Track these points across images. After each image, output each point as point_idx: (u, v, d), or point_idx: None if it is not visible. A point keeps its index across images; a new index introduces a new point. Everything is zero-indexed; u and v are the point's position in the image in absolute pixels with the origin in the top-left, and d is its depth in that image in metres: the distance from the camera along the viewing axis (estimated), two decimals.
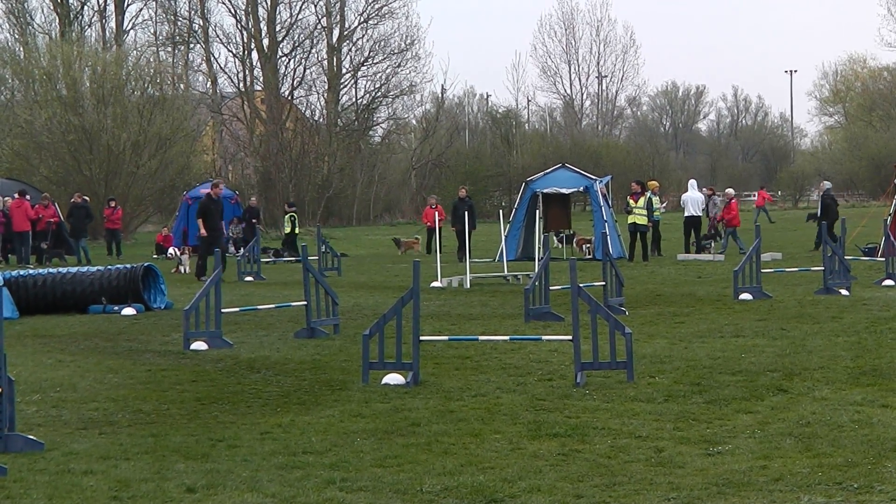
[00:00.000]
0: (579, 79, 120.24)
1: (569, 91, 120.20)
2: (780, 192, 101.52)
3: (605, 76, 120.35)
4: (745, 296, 23.35)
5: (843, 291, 24.01)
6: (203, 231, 30.29)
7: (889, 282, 25.85)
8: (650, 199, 37.25)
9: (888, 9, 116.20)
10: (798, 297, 23.56)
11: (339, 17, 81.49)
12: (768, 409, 11.95)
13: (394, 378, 13.95)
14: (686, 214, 38.63)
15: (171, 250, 43.60)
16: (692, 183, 40.46)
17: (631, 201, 37.07)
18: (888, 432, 10.68)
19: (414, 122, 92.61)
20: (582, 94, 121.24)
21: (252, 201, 46.19)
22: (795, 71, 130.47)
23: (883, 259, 27.73)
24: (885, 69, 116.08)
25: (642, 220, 36.63)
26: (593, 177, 40.36)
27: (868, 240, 37.15)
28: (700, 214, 39.08)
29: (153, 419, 12.18)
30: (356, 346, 15.92)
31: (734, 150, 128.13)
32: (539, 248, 30.32)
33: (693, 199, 39.09)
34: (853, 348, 16.07)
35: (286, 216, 44.97)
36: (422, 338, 14.43)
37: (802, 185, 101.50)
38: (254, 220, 44.75)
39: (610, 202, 39.79)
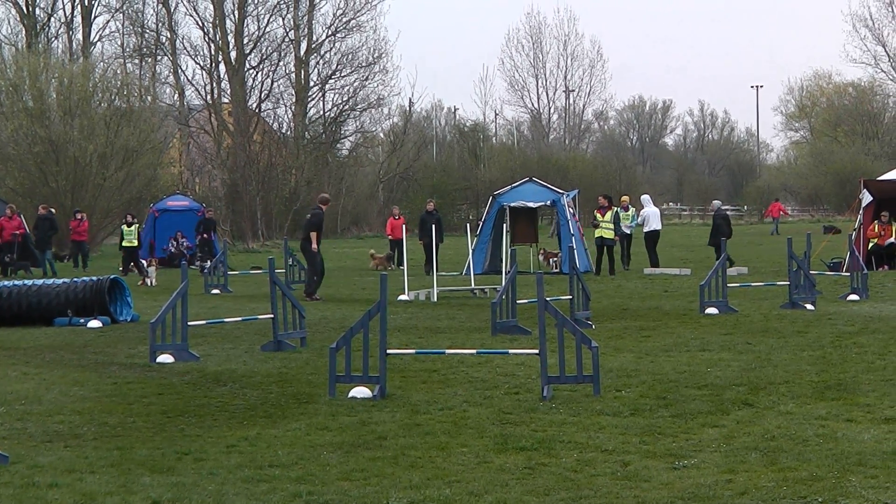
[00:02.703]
0: (547, 93, 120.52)
1: (536, 105, 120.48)
2: (745, 207, 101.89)
3: (573, 90, 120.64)
4: (712, 310, 23.44)
5: (809, 306, 24.14)
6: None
7: (854, 296, 25.99)
8: (617, 212, 37.38)
9: (853, 25, 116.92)
10: (764, 312, 23.66)
11: (306, 30, 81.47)
12: (734, 423, 12.00)
13: (360, 391, 13.95)
14: (648, 229, 38.64)
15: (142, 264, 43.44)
16: (647, 199, 40.47)
17: (598, 215, 37.18)
18: (852, 446, 10.73)
19: (381, 135, 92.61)
20: (549, 108, 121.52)
21: (208, 213, 45.83)
22: (761, 86, 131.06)
23: (848, 274, 27.89)
24: (851, 85, 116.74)
25: (609, 234, 36.74)
26: (560, 191, 40.43)
27: (833, 254, 37.34)
28: (660, 228, 39.26)
29: (119, 432, 12.14)
30: (323, 359, 15.91)
31: (701, 164, 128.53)
32: (506, 261, 30.40)
33: (654, 213, 39.25)
34: (818, 363, 16.15)
35: None
36: (389, 351, 14.43)
37: (768, 199, 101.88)
38: (206, 235, 44.32)
39: (577, 216, 39.86)
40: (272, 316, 18.82)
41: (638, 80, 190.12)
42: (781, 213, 70.51)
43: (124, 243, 42.00)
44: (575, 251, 35.64)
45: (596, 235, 37.04)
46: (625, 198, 40.27)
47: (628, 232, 39.12)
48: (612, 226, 36.81)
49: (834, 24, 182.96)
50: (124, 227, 42.19)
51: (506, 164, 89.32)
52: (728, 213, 40.58)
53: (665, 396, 13.57)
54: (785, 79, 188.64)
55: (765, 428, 11.67)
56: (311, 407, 13.45)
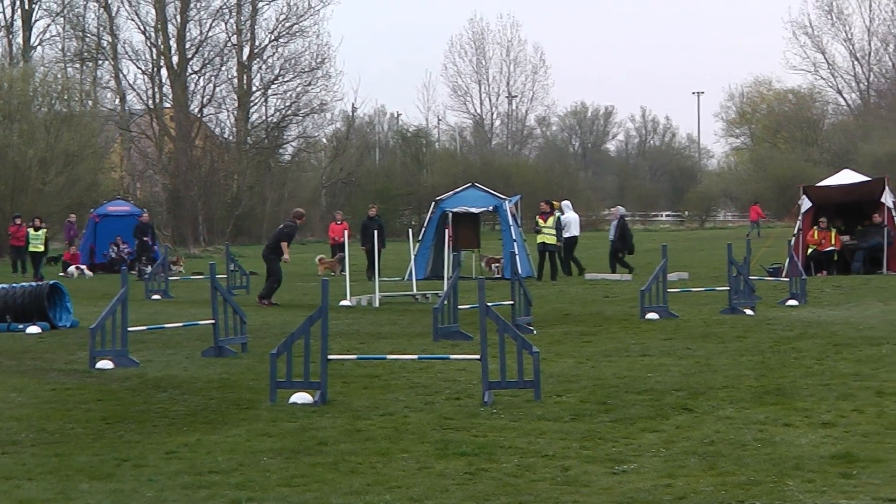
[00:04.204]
0: (489, 98, 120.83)
1: (479, 110, 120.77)
2: (686, 213, 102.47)
3: (515, 96, 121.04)
4: (652, 315, 23.56)
5: (748, 311, 24.30)
6: None
7: (793, 302, 26.18)
8: (559, 218, 37.51)
9: (793, 33, 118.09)
10: (704, 317, 23.80)
11: (249, 34, 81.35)
12: (673, 427, 12.06)
13: (301, 397, 13.92)
14: (567, 235, 38.59)
15: (70, 269, 43.22)
16: (567, 204, 40.47)
17: (540, 221, 37.28)
18: (790, 451, 10.81)
19: (324, 140, 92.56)
20: (492, 114, 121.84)
21: (143, 217, 45.52)
22: (703, 93, 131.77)
23: (787, 279, 28.09)
24: (791, 92, 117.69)
25: (551, 240, 36.86)
26: (503, 196, 40.51)
27: (773, 260, 37.60)
28: (578, 234, 39.41)
29: (57, 438, 12.06)
30: (264, 364, 15.86)
31: (642, 170, 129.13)
32: (448, 266, 30.45)
33: (574, 219, 39.42)
34: (757, 368, 16.26)
35: None
36: (330, 357, 14.41)
37: (709, 205, 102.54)
38: (145, 238, 44.01)
39: (519, 221, 39.96)
40: (213, 321, 18.76)
41: (580, 86, 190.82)
42: (760, 216, 70.84)
43: (31, 248, 41.72)
44: (517, 257, 35.78)
45: (538, 241, 37.14)
46: (565, 203, 40.43)
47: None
48: (554, 231, 36.93)
49: (774, 32, 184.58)
50: (31, 231, 41.87)
51: (448, 170, 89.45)
52: (628, 220, 40.59)
53: (605, 401, 13.63)
54: (726, 85, 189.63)
55: (704, 433, 11.74)
56: (252, 413, 13.41)
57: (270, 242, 30.11)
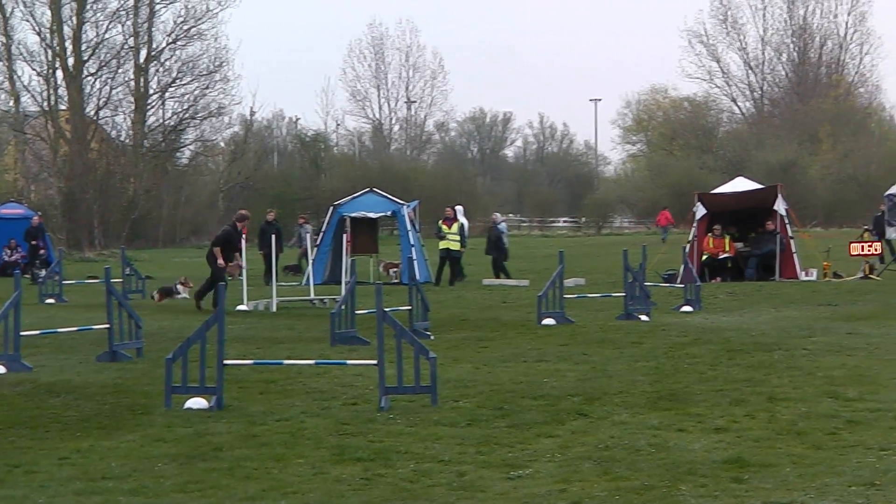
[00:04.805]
0: (388, 103, 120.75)
1: (378, 115, 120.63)
2: (583, 219, 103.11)
3: (414, 101, 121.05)
4: (549, 321, 23.68)
5: (644, 317, 24.51)
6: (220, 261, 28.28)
7: (687, 308, 26.46)
8: (462, 224, 37.72)
9: (689, 41, 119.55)
10: (600, 323, 23.97)
11: (146, 37, 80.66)
12: (569, 433, 12.14)
13: (197, 402, 13.83)
14: None
15: None
16: (460, 209, 40.54)
17: (444, 227, 37.44)
18: (684, 455, 10.93)
19: (222, 144, 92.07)
20: (391, 119, 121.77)
21: (34, 220, 44.85)
22: (600, 100, 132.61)
23: (682, 286, 28.38)
24: (686, 100, 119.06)
25: (455, 246, 37.13)
26: (401, 201, 40.53)
27: (668, 266, 37.95)
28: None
29: None
30: (159, 369, 15.72)
31: (540, 176, 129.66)
32: (346, 271, 30.40)
33: (464, 225, 39.52)
34: (652, 373, 16.41)
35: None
36: (226, 362, 14.32)
37: (606, 211, 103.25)
38: (34, 242, 43.40)
39: (417, 227, 40.02)
40: (108, 326, 18.59)
41: (479, 92, 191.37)
42: (669, 222, 71.43)
43: None
44: (415, 262, 35.85)
45: (442, 247, 37.31)
46: (458, 207, 40.56)
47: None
48: (458, 237, 37.15)
49: (671, 40, 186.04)
50: None
51: (347, 175, 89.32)
52: (503, 228, 40.70)
53: (502, 407, 13.68)
54: (623, 93, 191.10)
55: (599, 438, 11.83)
56: (147, 418, 13.30)
57: (211, 245, 29.20)
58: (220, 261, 28.12)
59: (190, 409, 13.71)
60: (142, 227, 76.51)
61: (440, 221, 38.31)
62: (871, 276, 36.45)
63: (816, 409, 13.28)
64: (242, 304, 28.44)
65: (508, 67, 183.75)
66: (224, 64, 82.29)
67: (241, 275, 30.00)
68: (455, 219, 37.94)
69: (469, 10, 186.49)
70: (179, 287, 32.89)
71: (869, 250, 37.96)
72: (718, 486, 9.75)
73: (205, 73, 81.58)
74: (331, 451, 11.31)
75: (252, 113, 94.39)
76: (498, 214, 42.47)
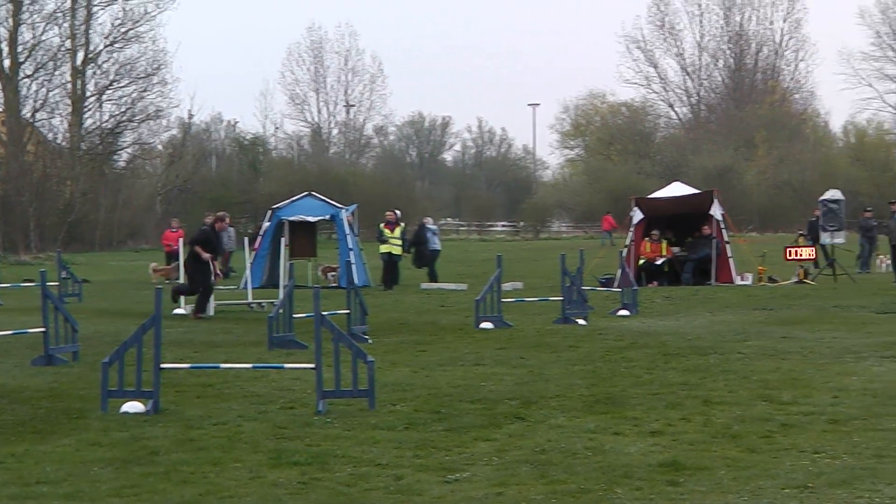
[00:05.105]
0: (327, 107, 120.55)
1: (317, 119, 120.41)
2: (521, 223, 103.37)
3: (353, 105, 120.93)
4: (486, 325, 23.74)
5: (581, 321, 24.61)
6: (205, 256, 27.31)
7: (624, 312, 26.60)
8: (405, 228, 37.89)
9: (627, 47, 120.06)
10: (537, 327, 24.05)
11: (84, 39, 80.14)
12: (506, 436, 12.18)
13: (133, 406, 13.77)
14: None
15: None
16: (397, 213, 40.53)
17: (386, 230, 37.53)
18: (620, 459, 10.99)
19: (160, 147, 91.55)
20: (329, 123, 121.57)
21: None
22: (538, 104, 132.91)
23: (619, 290, 28.53)
24: (624, 105, 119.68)
25: (398, 250, 37.29)
26: (340, 205, 40.50)
27: (605, 270, 38.13)
28: None
29: None
30: (95, 373, 15.61)
31: (479, 180, 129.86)
32: (284, 275, 30.33)
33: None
34: (589, 377, 16.49)
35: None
36: (163, 365, 14.26)
37: (544, 216, 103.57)
38: None
39: (356, 230, 40.00)
40: (43, 329, 18.46)
41: (418, 96, 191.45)
42: (612, 226, 71.74)
43: None
44: (353, 266, 35.87)
45: (384, 251, 37.39)
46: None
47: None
48: (400, 241, 37.26)
49: (609, 46, 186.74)
50: None
51: (285, 178, 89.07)
52: (433, 229, 40.63)
53: (439, 410, 13.71)
54: (561, 97, 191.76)
55: (536, 441, 11.87)
56: (83, 422, 13.23)
57: (189, 249, 28.05)
58: (205, 255, 27.15)
59: (126, 413, 13.65)
60: (78, 231, 75.95)
61: (382, 225, 38.35)
62: (805, 280, 36.79)
63: (751, 412, 13.40)
64: (180, 307, 28.31)
65: (447, 72, 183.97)
66: (162, 67, 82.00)
67: (178, 278, 29.86)
68: (397, 223, 38.05)
69: (408, 14, 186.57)
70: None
71: (803, 255, 38.31)
72: (654, 490, 9.82)
73: (143, 75, 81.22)
74: (268, 456, 11.30)
75: (190, 116, 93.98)
76: (430, 218, 42.50)
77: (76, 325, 19.19)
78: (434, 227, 40.09)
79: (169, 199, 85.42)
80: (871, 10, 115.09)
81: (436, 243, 39.56)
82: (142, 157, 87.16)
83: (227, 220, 27.18)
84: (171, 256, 41.05)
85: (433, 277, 38.68)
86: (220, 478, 10.44)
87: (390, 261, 37.64)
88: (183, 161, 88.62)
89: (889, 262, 40.99)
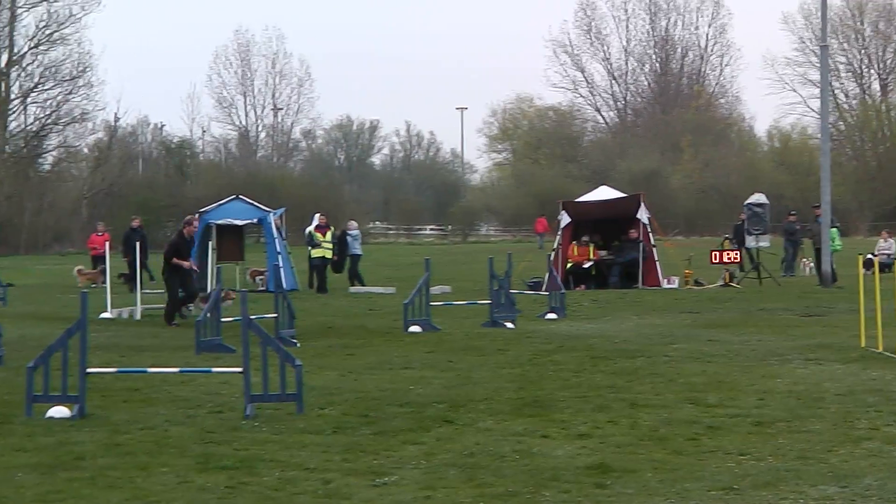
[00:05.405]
0: (255, 110, 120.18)
1: (244, 122, 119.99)
2: (450, 227, 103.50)
3: (281, 108, 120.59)
4: (415, 328, 23.75)
5: (509, 324, 24.67)
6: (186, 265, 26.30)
7: (552, 315, 26.69)
8: (335, 232, 37.92)
9: (554, 51, 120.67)
10: (466, 330, 24.08)
11: (8, 41, 79.40)
12: (434, 440, 12.19)
13: (59, 411, 13.65)
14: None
15: None
16: (317, 217, 40.26)
17: (318, 234, 37.47)
18: (547, 462, 11.04)
19: (86, 150, 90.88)
20: (257, 126, 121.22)
21: None
22: (466, 108, 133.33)
23: (547, 293, 28.62)
24: (551, 109, 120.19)
25: (330, 255, 37.26)
26: (267, 209, 40.37)
27: (533, 274, 38.24)
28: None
29: None
30: (20, 378, 15.48)
31: (407, 184, 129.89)
32: (212, 279, 30.19)
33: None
34: (517, 380, 16.53)
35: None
36: (89, 370, 14.16)
37: (472, 219, 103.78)
38: None
39: (284, 234, 39.89)
40: None
41: (346, 99, 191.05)
42: (546, 229, 71.95)
43: None
44: (281, 269, 35.78)
45: (317, 255, 37.33)
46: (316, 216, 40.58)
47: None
48: (331, 245, 37.24)
49: (536, 50, 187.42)
50: None
51: (213, 182, 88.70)
52: (355, 234, 40.48)
53: (368, 414, 13.70)
54: (489, 101, 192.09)
55: (464, 444, 11.90)
56: (7, 427, 13.10)
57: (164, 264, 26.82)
58: (185, 264, 26.15)
59: (52, 418, 13.53)
60: (3, 234, 75.23)
61: (313, 229, 38.23)
62: (731, 283, 37.08)
63: (677, 414, 13.50)
64: (106, 311, 28.11)
65: (375, 75, 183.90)
66: (88, 69, 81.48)
67: (104, 282, 29.64)
68: (328, 227, 38.04)
69: (334, 17, 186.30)
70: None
71: (729, 259, 38.62)
72: (581, 492, 9.86)
73: (68, 78, 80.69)
74: (195, 460, 11.24)
75: (116, 119, 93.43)
76: (353, 222, 42.42)
77: (1, 328, 19.01)
78: (355, 231, 40.00)
79: (95, 203, 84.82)
80: (794, 16, 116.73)
81: (357, 248, 39.46)
82: (67, 160, 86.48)
83: (195, 223, 26.79)
84: (98, 260, 40.74)
85: (360, 281, 38.62)
86: (147, 483, 10.38)
87: (323, 265, 37.61)
88: (109, 164, 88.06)
89: (812, 265, 41.48)
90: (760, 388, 15.52)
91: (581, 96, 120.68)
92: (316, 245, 37.52)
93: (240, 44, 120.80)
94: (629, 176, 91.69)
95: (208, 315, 20.53)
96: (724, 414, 13.49)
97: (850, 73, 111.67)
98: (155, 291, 36.25)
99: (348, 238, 39.30)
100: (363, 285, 38.26)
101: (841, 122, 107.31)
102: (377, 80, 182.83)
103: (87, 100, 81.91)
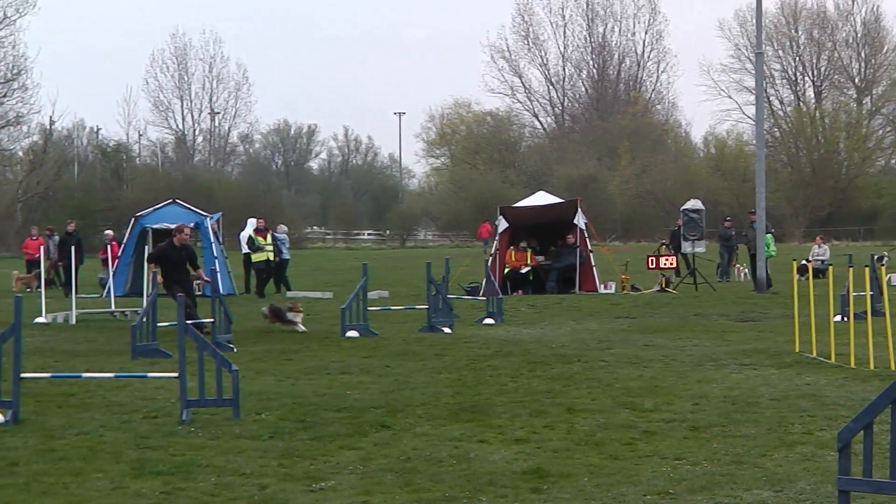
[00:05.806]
0: (192, 114, 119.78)
1: (181, 126, 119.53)
2: (388, 231, 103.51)
3: (218, 112, 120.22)
4: (352, 333, 23.72)
5: (446, 329, 24.69)
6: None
7: (489, 320, 26.73)
8: (275, 236, 37.88)
9: (492, 56, 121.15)
10: (403, 335, 24.08)
11: None
12: (371, 445, 12.19)
13: None
14: (245, 252, 38.40)
15: None
16: (252, 222, 39.88)
17: (260, 239, 37.42)
18: (484, 467, 11.05)
19: (20, 153, 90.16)
20: (194, 130, 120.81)
21: None
22: (404, 113, 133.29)
23: (484, 298, 28.66)
24: (489, 114, 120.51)
25: (273, 256, 37.28)
26: (204, 213, 40.21)
27: (470, 279, 38.29)
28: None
29: None
30: None
31: (345, 188, 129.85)
32: (148, 284, 30.04)
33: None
34: (454, 385, 16.55)
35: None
36: (23, 375, 14.04)
37: (410, 224, 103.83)
38: None
39: (221, 239, 39.75)
40: None
41: (283, 104, 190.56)
42: (489, 233, 71.98)
43: None
44: (218, 274, 35.62)
45: (260, 259, 37.27)
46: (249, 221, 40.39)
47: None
48: (272, 248, 37.23)
49: (474, 55, 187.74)
50: None
51: (150, 186, 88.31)
52: (283, 239, 40.27)
53: (304, 419, 13.67)
54: (427, 106, 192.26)
55: (401, 449, 11.90)
56: None
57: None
58: (160, 279, 24.86)
59: None
60: None
61: (253, 233, 38.07)
62: (667, 289, 37.28)
63: (614, 419, 13.55)
64: (41, 316, 27.90)
65: (313, 80, 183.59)
66: (22, 72, 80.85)
67: (39, 287, 29.45)
68: (267, 230, 38.02)
69: (272, 22, 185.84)
70: (290, 315, 28.23)
71: (665, 264, 38.83)
72: (518, 497, 9.89)
73: (2, 81, 79.89)
74: (130, 465, 11.18)
75: (51, 122, 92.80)
76: (283, 226, 42.28)
77: None
78: (283, 235, 39.85)
79: (30, 207, 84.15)
80: (730, 23, 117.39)
81: (285, 253, 39.29)
82: (2, 163, 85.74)
83: (187, 231, 26.07)
84: (33, 264, 40.43)
85: (287, 286, 38.51)
86: (81, 488, 10.31)
87: (267, 268, 37.57)
88: (44, 168, 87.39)
89: (747, 271, 41.79)
90: (696, 392, 15.61)
91: (519, 102, 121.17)
92: (258, 249, 37.42)
93: (177, 47, 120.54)
94: (567, 181, 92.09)
95: (144, 320, 20.41)
96: (659, 419, 13.56)
97: (784, 81, 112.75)
98: (91, 296, 36.06)
99: (276, 242, 39.17)
100: (289, 290, 38.12)
101: (776, 129, 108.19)
102: (315, 84, 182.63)
103: (22, 103, 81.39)
